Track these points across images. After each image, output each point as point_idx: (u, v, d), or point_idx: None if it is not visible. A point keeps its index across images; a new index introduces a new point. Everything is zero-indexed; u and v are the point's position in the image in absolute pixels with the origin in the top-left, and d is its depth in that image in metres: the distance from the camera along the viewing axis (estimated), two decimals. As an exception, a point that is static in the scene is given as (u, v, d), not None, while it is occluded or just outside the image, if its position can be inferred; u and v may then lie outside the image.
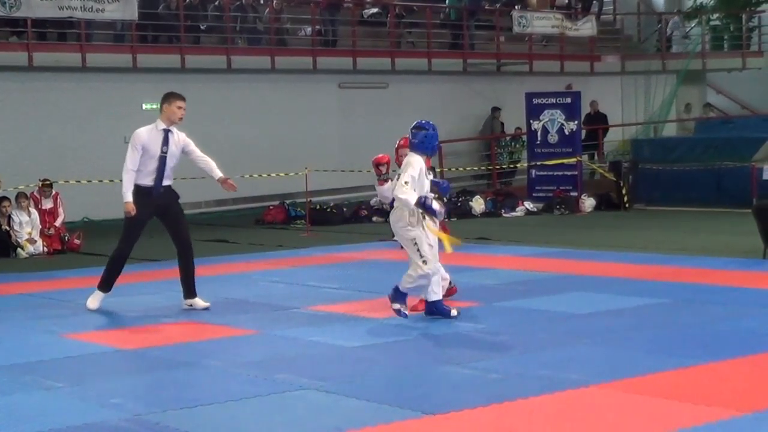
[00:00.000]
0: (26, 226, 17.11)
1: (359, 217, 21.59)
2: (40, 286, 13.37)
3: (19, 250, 16.85)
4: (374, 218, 21.33)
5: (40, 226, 17.29)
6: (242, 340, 9.52)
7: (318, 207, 21.56)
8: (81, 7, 21.52)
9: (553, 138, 23.70)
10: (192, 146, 11.17)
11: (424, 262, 9.92)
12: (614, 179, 23.10)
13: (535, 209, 22.73)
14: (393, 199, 10.23)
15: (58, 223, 17.73)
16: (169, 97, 10.98)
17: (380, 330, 9.68)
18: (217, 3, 24.89)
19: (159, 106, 11.05)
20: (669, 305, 10.57)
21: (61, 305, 11.71)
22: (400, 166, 10.62)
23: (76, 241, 17.63)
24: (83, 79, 22.57)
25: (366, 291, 11.87)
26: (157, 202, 10.94)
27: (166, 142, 10.84)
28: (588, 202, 22.84)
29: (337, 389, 7.35)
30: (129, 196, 10.82)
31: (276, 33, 25.36)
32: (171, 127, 10.93)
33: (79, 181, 19.67)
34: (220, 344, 9.42)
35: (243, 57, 24.41)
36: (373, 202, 21.89)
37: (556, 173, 23.52)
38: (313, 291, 12.26)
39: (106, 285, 11.19)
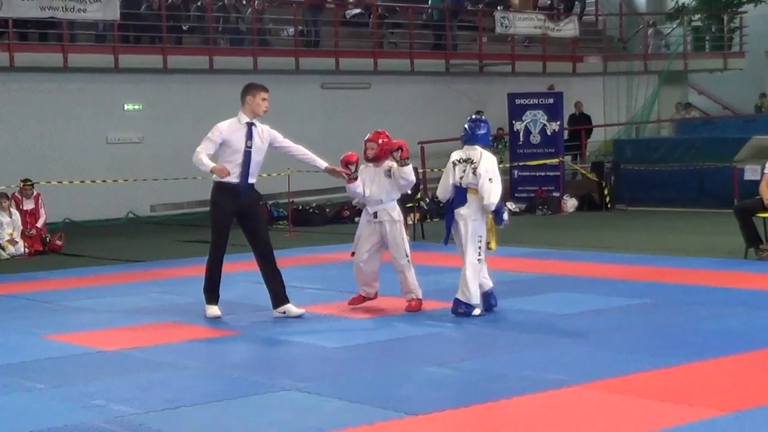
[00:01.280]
0: (7, 227, 17.04)
1: (342, 217, 21.57)
2: (21, 288, 13.31)
3: (-1, 251, 16.80)
4: (357, 219, 21.29)
5: (22, 227, 17.21)
6: (224, 341, 9.50)
7: (300, 208, 21.53)
8: (62, 8, 21.44)
9: (535, 138, 23.73)
10: (281, 138, 10.49)
11: (479, 259, 10.11)
12: (596, 180, 23.15)
13: (518, 210, 22.73)
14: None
15: (39, 224, 17.66)
16: (252, 89, 10.41)
17: (362, 331, 9.68)
18: (199, 3, 24.85)
19: (240, 98, 10.45)
20: (651, 305, 10.59)
21: (42, 306, 11.66)
22: (367, 159, 10.65)
23: (58, 242, 17.56)
24: (65, 79, 22.51)
25: (348, 292, 11.83)
26: (242, 202, 10.27)
27: (250, 136, 10.22)
28: (570, 203, 22.88)
29: (319, 390, 7.33)
30: (210, 164, 10.09)
31: (258, 33, 25.33)
32: (254, 120, 10.36)
33: (60, 182, 19.61)
34: (202, 345, 9.41)
35: (225, 57, 24.39)
36: (355, 202, 21.87)
37: (538, 174, 23.56)
38: (296, 292, 12.19)
39: (210, 297, 10.47)
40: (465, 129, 10.32)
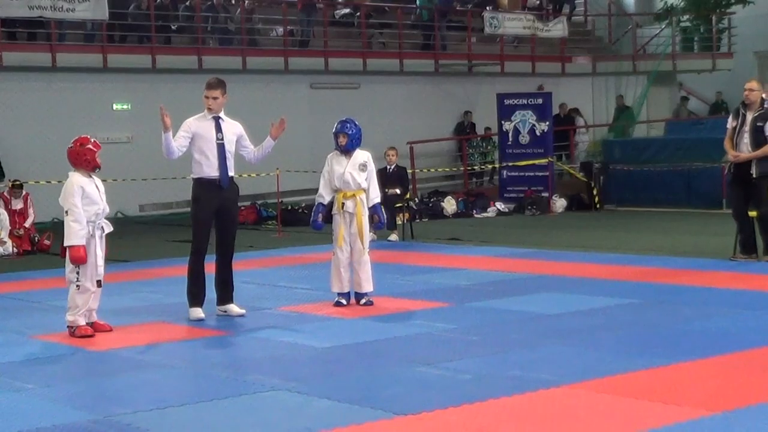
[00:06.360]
0: (-5, 227, 17.03)
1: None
2: (9, 287, 13.29)
3: (-12, 250, 16.76)
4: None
5: (10, 227, 17.19)
6: (213, 341, 9.50)
7: (289, 207, 21.53)
8: (51, 7, 21.40)
9: (524, 139, 23.78)
10: (245, 138, 10.74)
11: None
12: (585, 180, 23.18)
13: (507, 210, 22.79)
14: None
15: (27, 223, 17.64)
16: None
17: (351, 331, 9.68)
18: (188, 3, 24.83)
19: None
20: (639, 305, 10.61)
21: (31, 306, 11.64)
22: None
23: (46, 242, 17.53)
24: (53, 79, 22.47)
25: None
26: (224, 195, 10.40)
27: (219, 129, 10.43)
28: (559, 203, 22.92)
29: (308, 390, 7.34)
30: (167, 130, 10.34)
31: (247, 33, 25.32)
32: (220, 115, 10.52)
33: (49, 182, 19.56)
34: (191, 345, 9.40)
35: (214, 57, 24.35)
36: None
37: (527, 174, 23.61)
38: (285, 292, 12.24)
39: (194, 299, 10.46)
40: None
